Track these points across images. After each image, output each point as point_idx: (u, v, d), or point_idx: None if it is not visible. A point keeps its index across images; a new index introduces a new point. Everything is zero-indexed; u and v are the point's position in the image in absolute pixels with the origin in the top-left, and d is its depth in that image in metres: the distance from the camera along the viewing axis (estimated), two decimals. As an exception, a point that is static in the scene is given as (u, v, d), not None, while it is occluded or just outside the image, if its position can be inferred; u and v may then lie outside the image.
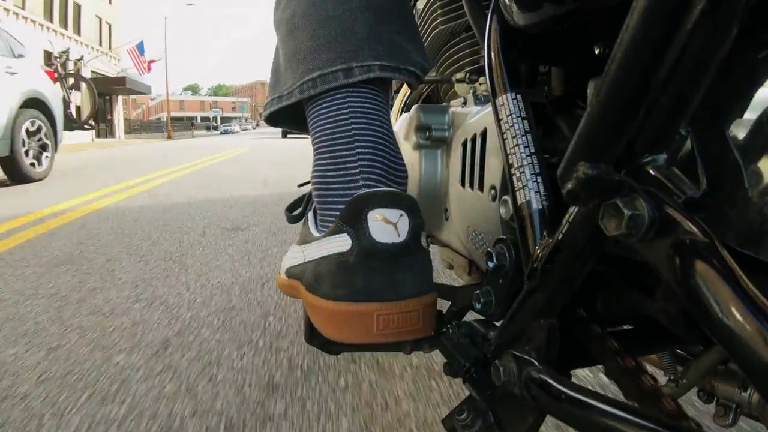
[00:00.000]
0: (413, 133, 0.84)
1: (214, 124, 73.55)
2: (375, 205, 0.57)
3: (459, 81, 0.85)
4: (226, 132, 55.37)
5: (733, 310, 0.29)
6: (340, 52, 0.66)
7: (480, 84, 0.80)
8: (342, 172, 0.64)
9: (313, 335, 0.65)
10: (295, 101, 0.70)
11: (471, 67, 0.84)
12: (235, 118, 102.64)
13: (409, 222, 0.57)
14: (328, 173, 0.65)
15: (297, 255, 0.67)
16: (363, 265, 0.56)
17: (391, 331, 0.56)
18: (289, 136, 28.22)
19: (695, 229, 0.32)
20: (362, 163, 0.64)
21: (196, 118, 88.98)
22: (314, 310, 0.60)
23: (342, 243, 0.57)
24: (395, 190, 0.63)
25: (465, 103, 0.86)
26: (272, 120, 0.78)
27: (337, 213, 0.60)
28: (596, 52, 0.50)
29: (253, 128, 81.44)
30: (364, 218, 0.56)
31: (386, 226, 0.56)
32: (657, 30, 0.32)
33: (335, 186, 0.64)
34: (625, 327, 0.57)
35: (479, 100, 0.80)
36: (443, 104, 0.99)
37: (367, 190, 0.61)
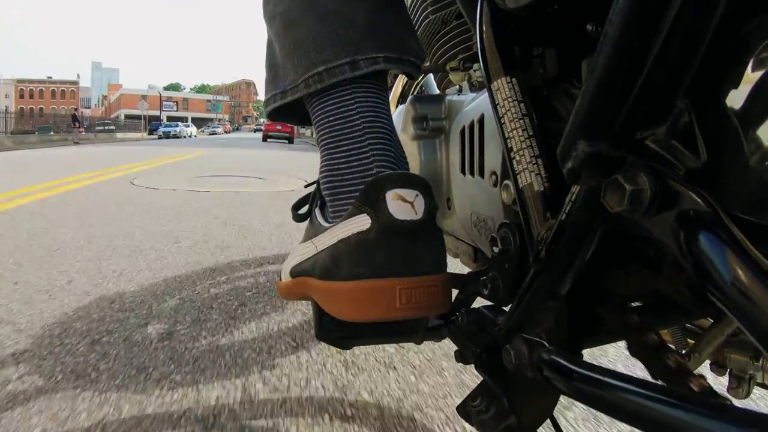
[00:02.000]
0: (410, 124, 0.84)
1: (164, 123, 51.04)
2: (392, 185, 0.58)
3: (453, 69, 0.85)
4: (166, 135, 39.25)
5: (741, 278, 0.29)
6: (344, 46, 0.66)
7: (474, 71, 0.80)
8: (355, 163, 0.65)
9: (323, 329, 0.65)
10: (301, 96, 0.70)
11: (464, 55, 0.84)
12: (209, 119, 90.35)
13: (424, 201, 0.58)
14: (341, 166, 0.66)
15: (306, 250, 0.67)
16: (383, 241, 0.57)
17: (413, 305, 0.57)
18: (269, 140, 26.74)
19: (698, 200, 0.32)
20: (374, 152, 0.65)
21: (162, 117, 75.21)
22: (332, 295, 0.61)
23: (361, 223, 0.58)
24: (410, 172, 0.64)
25: (460, 90, 0.86)
26: (274, 116, 0.79)
27: (352, 201, 0.61)
28: (588, 30, 0.50)
29: (226, 132, 66.53)
30: (383, 197, 0.57)
31: (404, 204, 0.57)
32: (647, 3, 0.32)
33: (348, 177, 0.65)
34: (634, 304, 0.57)
35: (474, 87, 0.79)
36: (438, 93, 0.99)
37: (383, 172, 0.63)
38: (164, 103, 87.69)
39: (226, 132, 66.88)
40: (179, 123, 48.00)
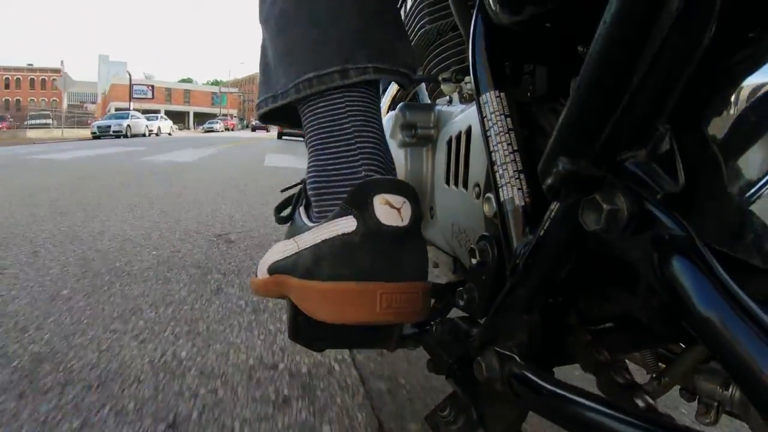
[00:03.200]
0: (399, 132, 0.84)
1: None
2: (380, 190, 0.58)
3: (445, 80, 0.85)
4: (104, 133, 23.86)
5: (712, 304, 0.30)
6: (335, 54, 0.66)
7: (466, 83, 0.80)
8: (344, 165, 0.65)
9: (297, 331, 0.64)
10: (291, 101, 0.70)
11: (457, 67, 0.85)
12: (213, 114, 76.51)
13: (411, 209, 0.59)
14: (329, 167, 0.66)
15: (287, 248, 0.67)
16: (368, 245, 0.57)
17: (393, 310, 0.57)
18: (284, 137, 23.22)
19: (674, 225, 0.33)
20: (363, 156, 0.65)
21: (160, 111, 61.71)
22: (311, 294, 0.60)
23: (347, 224, 0.58)
24: (399, 179, 0.64)
25: (450, 101, 0.86)
26: (266, 118, 0.79)
27: (338, 203, 0.61)
28: (579, 51, 0.50)
29: (228, 129, 55.43)
30: (370, 201, 0.57)
31: (391, 210, 0.57)
32: (634, 27, 0.32)
33: (336, 178, 0.65)
34: (608, 325, 0.57)
35: (465, 99, 0.80)
36: (429, 103, 0.99)
37: (372, 176, 0.63)
38: (135, 87, 66.48)
39: (227, 129, 55.26)
40: (134, 113, 29.57)
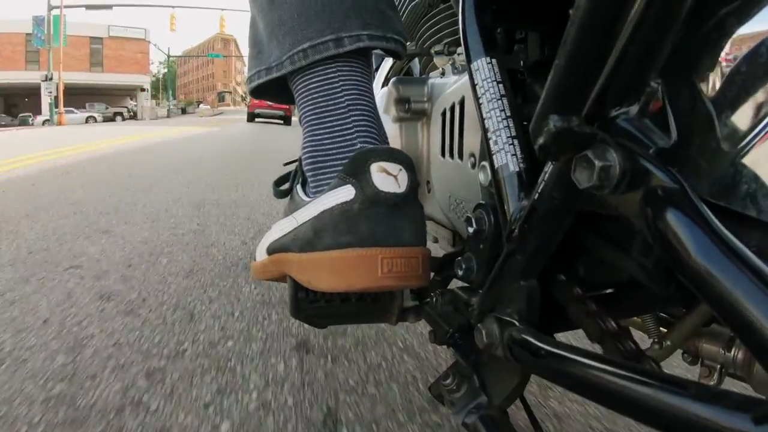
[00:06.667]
0: (393, 106, 0.83)
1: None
2: (377, 157, 0.59)
3: (437, 53, 0.85)
4: None
5: (707, 255, 0.29)
6: (329, 23, 0.66)
7: (458, 54, 0.80)
8: (339, 138, 0.66)
9: (299, 308, 0.65)
10: (286, 73, 0.70)
11: (449, 39, 0.84)
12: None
13: (407, 176, 0.60)
14: (324, 141, 0.66)
15: (285, 225, 0.68)
16: (367, 211, 0.58)
17: (394, 275, 0.58)
18: (257, 120, 20.67)
19: (667, 179, 0.32)
20: (358, 128, 0.66)
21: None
22: (312, 266, 0.61)
23: (346, 193, 0.59)
24: (393, 147, 0.65)
25: (443, 74, 0.86)
26: (256, 92, 0.78)
27: (334, 176, 0.62)
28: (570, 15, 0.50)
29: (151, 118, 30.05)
30: (367, 169, 0.58)
31: (387, 177, 0.59)
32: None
33: (332, 152, 0.66)
34: (608, 291, 0.57)
35: (458, 71, 0.79)
36: (422, 76, 0.98)
37: (368, 146, 0.64)
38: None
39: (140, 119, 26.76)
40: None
